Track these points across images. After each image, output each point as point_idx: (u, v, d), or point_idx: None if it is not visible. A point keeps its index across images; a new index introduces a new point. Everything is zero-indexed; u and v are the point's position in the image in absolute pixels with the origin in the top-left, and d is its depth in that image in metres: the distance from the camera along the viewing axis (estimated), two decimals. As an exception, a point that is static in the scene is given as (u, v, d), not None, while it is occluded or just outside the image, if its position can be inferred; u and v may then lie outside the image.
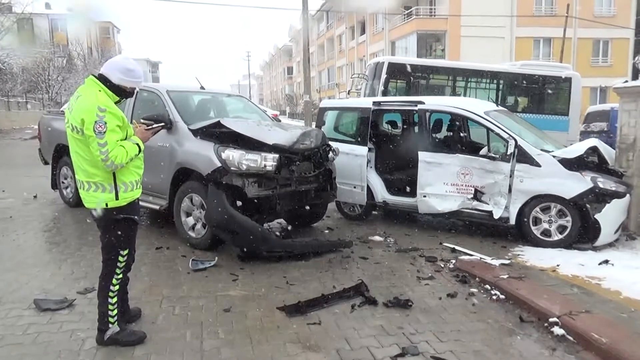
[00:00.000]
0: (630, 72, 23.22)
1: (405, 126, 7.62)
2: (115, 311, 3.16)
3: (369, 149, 6.77)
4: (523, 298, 3.99)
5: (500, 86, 16.13)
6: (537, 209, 5.67)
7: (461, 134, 7.07)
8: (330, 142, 6.80)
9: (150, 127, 3.29)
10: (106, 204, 3.01)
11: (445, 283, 4.58)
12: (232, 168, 4.99)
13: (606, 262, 4.80)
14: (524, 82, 15.96)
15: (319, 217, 6.54)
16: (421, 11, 28.47)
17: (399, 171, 6.91)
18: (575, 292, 4.09)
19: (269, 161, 5.11)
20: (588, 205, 5.37)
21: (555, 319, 3.57)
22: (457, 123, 7.03)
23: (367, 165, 6.72)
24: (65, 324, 3.50)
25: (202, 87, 6.67)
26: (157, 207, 5.85)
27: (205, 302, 3.95)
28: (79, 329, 3.41)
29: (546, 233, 5.64)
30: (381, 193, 6.79)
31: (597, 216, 5.28)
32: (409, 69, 15.50)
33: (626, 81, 5.81)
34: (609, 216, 5.30)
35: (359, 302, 4.03)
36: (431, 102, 6.58)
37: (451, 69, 16.33)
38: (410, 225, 6.73)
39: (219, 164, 5.00)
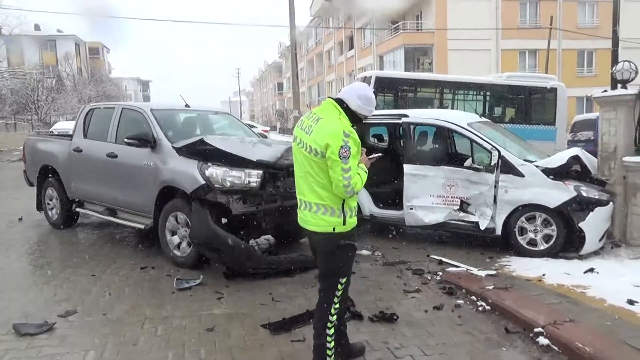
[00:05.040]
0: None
1: (390, 139, 7.66)
2: (333, 343, 2.96)
3: (355, 163, 6.77)
4: (508, 308, 3.99)
5: (487, 98, 16.31)
6: (523, 218, 5.70)
7: (446, 146, 7.11)
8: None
9: (372, 156, 3.15)
10: (333, 229, 2.85)
11: (432, 295, 4.57)
12: (216, 185, 4.97)
13: (591, 270, 4.81)
14: (510, 93, 16.15)
15: (302, 232, 6.48)
16: (408, 25, 28.88)
17: (386, 184, 6.93)
18: (560, 302, 4.09)
19: (253, 177, 5.10)
20: (572, 214, 5.40)
21: (540, 329, 3.57)
22: (442, 135, 7.08)
23: (353, 179, 6.71)
24: (45, 348, 3.44)
25: (187, 105, 6.68)
26: (142, 227, 5.80)
27: (189, 322, 3.90)
28: (58, 354, 3.35)
29: (532, 243, 5.65)
30: (368, 206, 6.79)
31: (581, 225, 5.31)
32: (396, 83, 15.70)
33: (605, 90, 5.90)
34: (593, 224, 5.33)
35: (345, 316, 3.99)
36: (415, 115, 6.62)
37: (438, 81, 16.52)
38: (398, 239, 6.72)
39: (203, 182, 4.98)
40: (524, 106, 16.09)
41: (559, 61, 27.54)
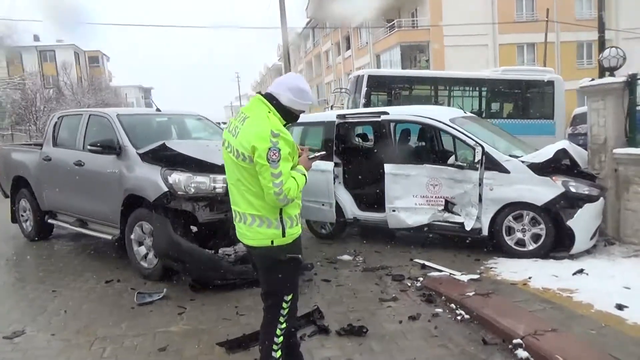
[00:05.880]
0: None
1: (372, 138, 7.35)
2: None
3: (336, 164, 6.49)
4: (487, 317, 3.68)
5: (483, 93, 15.97)
6: (510, 217, 5.38)
7: (429, 144, 6.80)
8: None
9: (312, 156, 2.81)
10: (272, 242, 2.55)
11: (410, 304, 4.26)
12: (179, 192, 4.70)
13: (581, 271, 4.50)
14: (507, 87, 15.82)
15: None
16: (403, 23, 28.52)
17: (369, 185, 6.62)
18: (544, 308, 3.78)
19: (219, 183, 4.81)
20: (561, 212, 5.08)
21: (519, 340, 3.26)
22: (424, 132, 6.77)
23: (335, 181, 6.43)
24: (-21, 375, 3.18)
25: (157, 110, 6.42)
26: (109, 237, 5.54)
27: (141, 341, 3.62)
28: (-9, 381, 3.09)
29: (520, 243, 5.34)
30: (351, 209, 6.48)
31: (569, 223, 4.99)
32: (389, 81, 15.41)
33: (592, 79, 5.57)
34: (583, 222, 5.01)
35: (310, 331, 3.71)
36: (395, 112, 6.33)
37: (432, 78, 16.19)
38: (384, 242, 6.40)
39: (166, 189, 4.71)
40: (521, 100, 15.74)
41: (557, 54, 27.07)
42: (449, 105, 15.85)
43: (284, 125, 2.65)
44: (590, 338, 3.21)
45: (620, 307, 3.60)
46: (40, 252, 6.61)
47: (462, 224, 5.63)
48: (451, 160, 5.80)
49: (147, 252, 5.10)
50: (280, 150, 2.43)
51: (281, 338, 2.67)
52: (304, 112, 2.75)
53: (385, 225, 6.15)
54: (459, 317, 3.89)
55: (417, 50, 28.10)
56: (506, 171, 5.35)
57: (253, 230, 2.58)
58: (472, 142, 5.52)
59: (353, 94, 15.42)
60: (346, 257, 5.76)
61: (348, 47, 37.40)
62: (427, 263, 5.26)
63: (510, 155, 5.50)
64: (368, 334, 3.63)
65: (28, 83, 34.81)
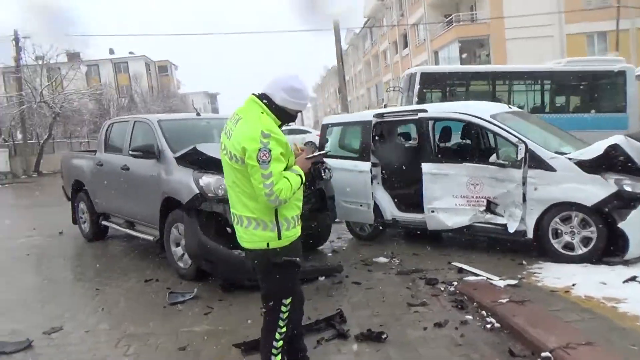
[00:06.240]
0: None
1: (411, 137, 7.12)
2: None
3: (374, 164, 6.36)
4: (517, 327, 3.42)
5: (546, 87, 15.09)
6: (557, 219, 5.00)
7: (470, 142, 6.48)
8: (330, 160, 6.50)
9: (311, 155, 2.77)
10: (267, 244, 2.54)
11: (439, 310, 4.07)
12: (209, 194, 4.79)
13: (634, 278, 4.08)
14: (572, 80, 14.81)
15: (322, 239, 6.19)
16: (461, 17, 27.56)
17: (408, 186, 6.41)
18: (583, 319, 3.46)
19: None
20: (613, 213, 4.65)
21: (547, 354, 3.00)
22: (465, 130, 6.45)
23: (373, 181, 6.30)
24: (15, 367, 3.39)
25: (197, 114, 6.60)
26: (151, 238, 5.77)
27: (165, 340, 3.72)
28: (24, 374, 3.28)
29: (569, 246, 4.94)
30: (390, 210, 6.33)
31: (621, 225, 4.55)
32: (443, 78, 14.96)
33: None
34: (637, 224, 4.55)
35: (329, 335, 3.63)
36: (434, 109, 6.10)
37: (490, 73, 15.53)
38: (424, 244, 6.16)
39: (197, 191, 4.82)
40: (588, 93, 14.70)
41: (632, 42, 24.97)
42: (509, 101, 15.11)
43: (280, 126, 2.61)
44: (628, 354, 2.89)
45: (671, 319, 3.22)
46: (95, 251, 7.01)
47: (505, 225, 5.32)
48: (492, 158, 5.50)
49: (183, 252, 5.25)
50: (271, 151, 2.40)
51: (281, 342, 2.64)
52: (301, 111, 2.70)
53: (424, 227, 5.94)
54: (488, 326, 3.65)
55: (477, 45, 27.08)
56: (552, 169, 4.98)
57: (249, 233, 2.56)
58: (514, 139, 5.19)
59: (407, 92, 15.13)
60: (382, 260, 5.61)
61: (406, 45, 36.80)
62: (464, 267, 5.01)
63: (557, 153, 5.12)
64: (388, 340, 3.50)
65: (104, 93, 37.23)
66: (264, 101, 2.57)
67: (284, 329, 2.64)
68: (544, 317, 3.53)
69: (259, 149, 2.39)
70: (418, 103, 13.34)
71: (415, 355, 3.29)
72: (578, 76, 14.50)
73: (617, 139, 5.05)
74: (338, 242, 6.72)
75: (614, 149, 4.79)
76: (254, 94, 2.64)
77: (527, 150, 5.08)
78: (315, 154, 2.77)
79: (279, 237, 2.53)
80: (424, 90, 14.23)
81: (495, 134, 5.47)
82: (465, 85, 15.21)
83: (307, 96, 2.63)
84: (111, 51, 58.16)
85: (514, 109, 6.33)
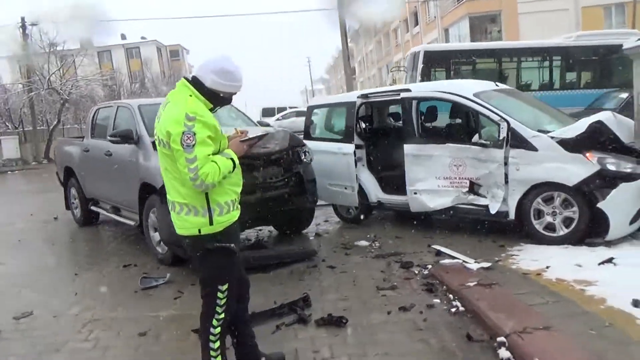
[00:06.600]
0: None
1: (395, 118, 6.94)
2: (220, 358, 2.63)
3: (358, 146, 6.23)
4: (479, 311, 3.34)
5: (555, 63, 14.65)
6: (539, 199, 4.85)
7: (454, 121, 6.29)
8: (315, 143, 6.43)
9: (245, 138, 2.65)
10: (199, 230, 2.49)
11: (408, 293, 3.99)
12: (181, 179, 4.75)
13: (610, 260, 3.94)
14: (583, 55, 14.35)
15: (304, 223, 6.13)
16: (472, -7, 26.78)
17: (392, 167, 6.28)
18: (547, 302, 3.35)
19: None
20: (596, 193, 4.48)
21: (502, 339, 2.91)
22: (458, 110, 6.22)
23: (358, 164, 6.19)
24: (-22, 353, 3.44)
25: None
26: (132, 223, 5.79)
27: (128, 325, 3.72)
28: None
29: (550, 227, 4.79)
30: (375, 192, 6.23)
31: (600, 205, 4.38)
32: (448, 56, 14.63)
33: (639, 39, 4.79)
34: (618, 203, 4.37)
35: (290, 320, 3.59)
36: (417, 89, 5.94)
37: (496, 50, 15.11)
38: (410, 227, 6.05)
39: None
40: (600, 68, 14.23)
41: (651, 13, 23.96)
42: (517, 79, 14.75)
43: (213, 109, 2.54)
44: (585, 339, 2.78)
45: (637, 303, 3.09)
46: (85, 236, 7.10)
47: (487, 207, 5.18)
48: (475, 138, 5.33)
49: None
50: (195, 134, 2.33)
51: (219, 329, 2.60)
52: (234, 94, 2.61)
53: (408, 209, 5.84)
54: (453, 310, 3.57)
55: (488, 20, 26.35)
56: (534, 149, 4.81)
57: (181, 219, 2.51)
58: (496, 118, 5.01)
59: (410, 71, 14.86)
60: (363, 243, 5.54)
61: (416, 23, 36.04)
62: (442, 249, 4.91)
63: (541, 131, 4.94)
64: (348, 324, 3.45)
65: (115, 79, 37.42)
66: (194, 84, 2.49)
67: (222, 315, 2.60)
68: (508, 301, 3.44)
69: (183, 132, 2.33)
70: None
71: (372, 340, 3.24)
72: (589, 51, 14.04)
73: (603, 115, 4.86)
74: (324, 225, 6.67)
75: (598, 126, 4.59)
76: (184, 78, 2.56)
77: (509, 128, 4.91)
78: (251, 137, 2.68)
79: (211, 223, 2.47)
80: (428, 70, 13.94)
81: (477, 113, 5.29)
82: (471, 64, 14.84)
83: (239, 78, 2.54)
84: (123, 36, 58.18)
85: (502, 86, 6.12)
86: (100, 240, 6.76)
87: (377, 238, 5.68)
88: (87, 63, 32.59)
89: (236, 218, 2.60)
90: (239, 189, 2.64)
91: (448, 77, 13.86)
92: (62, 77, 24.91)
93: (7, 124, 25.28)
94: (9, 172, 20.49)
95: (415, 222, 6.02)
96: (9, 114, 25.48)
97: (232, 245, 2.55)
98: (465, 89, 5.50)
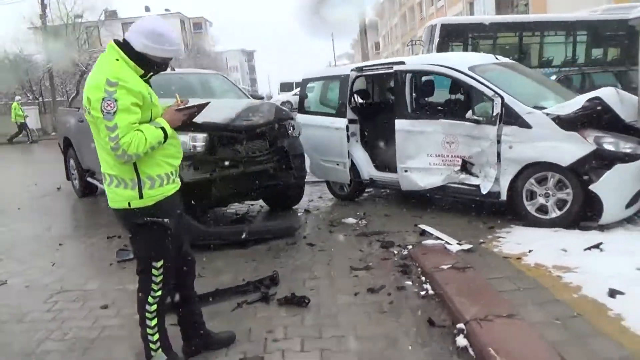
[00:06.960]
0: None
1: (390, 92, 6.66)
2: (157, 336, 2.54)
3: (352, 121, 6.03)
4: (446, 296, 3.18)
5: (579, 38, 13.93)
6: (532, 180, 4.58)
7: (449, 96, 5.99)
8: (309, 117, 6.27)
9: (181, 107, 2.47)
10: (129, 204, 2.38)
11: (382, 274, 3.84)
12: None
13: (597, 246, 3.70)
14: (609, 30, 13.58)
15: (293, 199, 6.01)
16: (499, -37, 25.64)
17: (385, 144, 6.06)
18: (519, 288, 3.16)
19: (199, 142, 4.69)
20: (590, 174, 4.20)
21: (461, 325, 2.76)
22: (444, 83, 5.92)
23: (351, 139, 6.00)
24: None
25: (172, 69, 6.40)
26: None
27: (93, 297, 3.70)
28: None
29: (543, 209, 4.55)
30: (367, 169, 6.04)
31: (593, 187, 4.11)
32: (466, 29, 14.07)
33: (646, 8, 4.40)
34: (612, 186, 4.09)
35: (252, 298, 3.50)
36: (412, 61, 5.65)
37: (517, 24, 14.44)
38: (401, 205, 5.87)
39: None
40: (627, 44, 13.46)
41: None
42: (539, 54, 14.11)
43: (145, 75, 2.39)
44: (547, 328, 2.60)
45: (613, 293, 2.87)
46: (83, 207, 7.16)
47: (479, 186, 4.95)
48: (469, 114, 5.06)
49: (145, 210, 5.21)
50: (117, 100, 2.20)
51: (155, 306, 2.52)
52: (170, 59, 2.45)
53: (398, 187, 5.65)
54: (422, 293, 3.42)
55: (515, -7, 25.23)
56: (528, 126, 4.53)
57: (111, 191, 2.41)
58: (490, 93, 4.73)
59: (427, 45, 14.36)
60: (350, 220, 5.39)
61: (441, -4, 34.91)
62: (427, 229, 4.72)
63: (536, 107, 4.65)
64: (310, 305, 3.34)
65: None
66: (123, 48, 2.34)
67: (159, 293, 2.51)
68: (478, 286, 3.26)
69: (103, 99, 2.20)
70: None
71: (331, 322, 3.12)
72: (615, 25, 13.27)
73: (604, 91, 4.53)
74: (317, 202, 6.53)
75: (596, 102, 4.28)
76: (114, 40, 2.41)
77: (503, 104, 4.63)
78: (189, 106, 2.53)
79: (140, 197, 2.36)
80: (446, 44, 13.44)
81: (471, 87, 5.00)
82: (490, 38, 14.23)
83: (172, 41, 2.37)
84: (147, 9, 58.11)
85: (503, 59, 5.77)
86: (94, 211, 6.79)
87: (366, 216, 5.52)
88: (109, 35, 32.63)
89: (172, 192, 2.48)
90: (177, 162, 2.52)
91: (466, 51, 13.35)
92: (80, 49, 25.04)
93: (27, 94, 25.68)
94: (28, 142, 20.89)
95: (413, 201, 5.83)
96: (30, 85, 25.86)
97: (166, 220, 2.44)
98: (460, 62, 5.21)
